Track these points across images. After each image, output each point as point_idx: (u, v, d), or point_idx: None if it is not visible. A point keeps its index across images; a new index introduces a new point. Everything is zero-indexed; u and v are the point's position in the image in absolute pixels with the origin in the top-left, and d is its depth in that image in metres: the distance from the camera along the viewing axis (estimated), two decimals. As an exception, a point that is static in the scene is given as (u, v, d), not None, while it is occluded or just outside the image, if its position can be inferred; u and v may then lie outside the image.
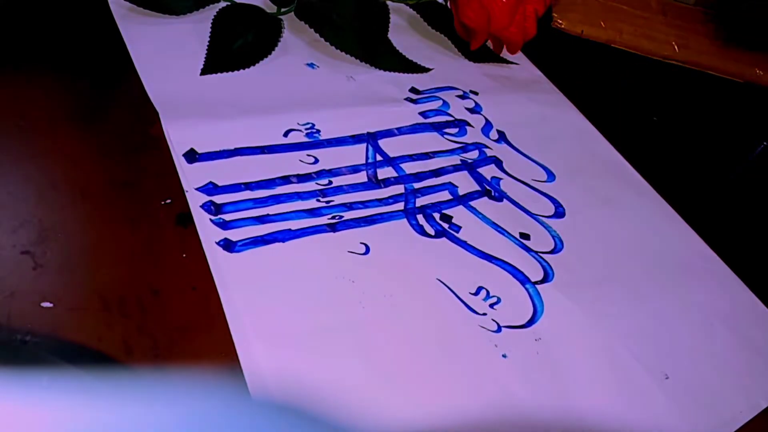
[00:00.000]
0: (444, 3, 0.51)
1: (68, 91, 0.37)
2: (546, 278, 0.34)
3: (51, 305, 0.27)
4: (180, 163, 0.34)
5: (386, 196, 0.35)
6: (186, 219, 0.31)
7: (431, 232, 0.34)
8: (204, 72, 0.40)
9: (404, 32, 0.49)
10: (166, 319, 0.28)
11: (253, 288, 0.29)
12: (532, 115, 0.44)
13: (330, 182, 0.35)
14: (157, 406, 0.20)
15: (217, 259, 0.30)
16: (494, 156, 0.40)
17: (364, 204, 0.35)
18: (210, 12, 0.43)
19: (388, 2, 0.47)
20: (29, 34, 0.40)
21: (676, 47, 0.54)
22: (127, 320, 0.27)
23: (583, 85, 0.49)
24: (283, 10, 0.46)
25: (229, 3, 0.44)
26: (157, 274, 0.29)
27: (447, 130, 0.41)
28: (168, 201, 0.32)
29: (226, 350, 0.27)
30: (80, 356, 0.26)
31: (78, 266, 0.29)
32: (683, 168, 0.46)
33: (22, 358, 0.23)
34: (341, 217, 0.34)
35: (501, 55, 0.49)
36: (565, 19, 0.53)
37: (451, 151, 0.40)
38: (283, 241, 0.31)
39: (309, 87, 0.41)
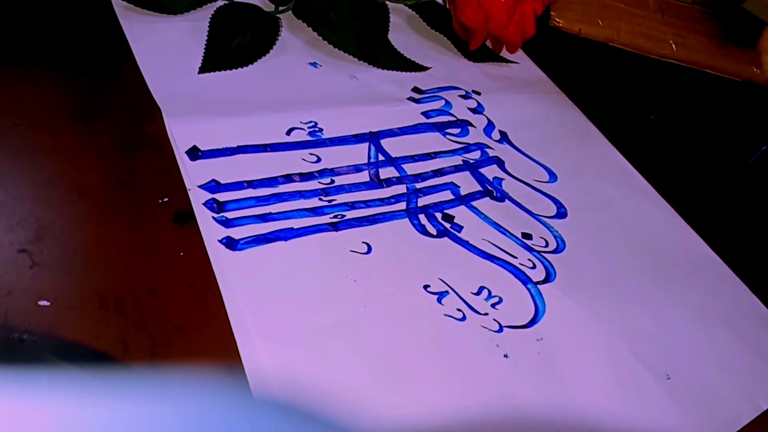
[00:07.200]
0: (443, 3, 0.51)
1: (65, 89, 0.36)
2: (548, 278, 0.34)
3: (48, 304, 0.26)
4: (183, 160, 0.33)
5: (388, 195, 0.35)
6: (183, 217, 0.31)
7: (433, 231, 0.34)
8: (202, 70, 0.39)
9: (403, 32, 0.48)
10: (164, 318, 0.27)
11: (255, 286, 0.29)
12: (534, 115, 0.44)
13: (332, 181, 0.35)
14: (154, 404, 0.20)
15: (219, 257, 0.29)
16: (496, 156, 0.40)
17: (366, 203, 0.34)
18: (209, 10, 0.43)
19: (387, 2, 0.47)
20: (27, 32, 0.39)
21: (673, 46, 0.55)
22: (125, 318, 0.27)
23: (580, 84, 0.49)
24: (280, 8, 0.45)
25: (226, 2, 0.44)
26: (155, 272, 0.29)
27: (449, 131, 0.41)
28: (165, 199, 0.32)
29: (223, 348, 0.27)
30: (78, 355, 0.25)
31: (75, 265, 0.28)
32: (682, 167, 0.46)
33: (20, 356, 0.23)
34: (343, 216, 0.33)
35: (500, 54, 0.49)
36: (563, 17, 0.53)
37: (453, 152, 0.39)
38: (286, 240, 0.31)
39: (312, 86, 0.41)
